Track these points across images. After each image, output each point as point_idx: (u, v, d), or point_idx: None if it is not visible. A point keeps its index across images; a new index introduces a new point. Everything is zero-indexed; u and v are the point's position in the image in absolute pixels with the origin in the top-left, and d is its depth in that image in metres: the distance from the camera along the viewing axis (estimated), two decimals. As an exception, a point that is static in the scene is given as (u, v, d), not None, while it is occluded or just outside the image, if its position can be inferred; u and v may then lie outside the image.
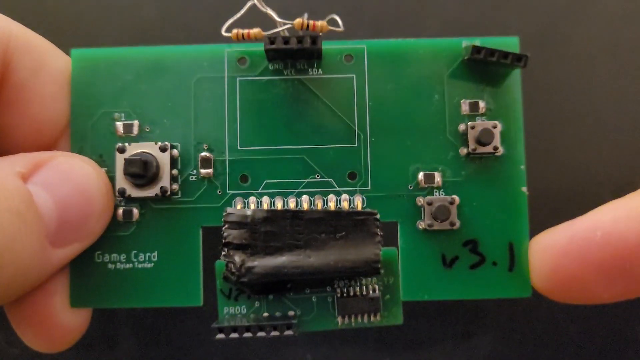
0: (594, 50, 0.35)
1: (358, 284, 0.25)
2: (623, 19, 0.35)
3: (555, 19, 0.35)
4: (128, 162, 0.23)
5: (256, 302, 0.25)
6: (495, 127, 0.24)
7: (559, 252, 0.22)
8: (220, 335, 0.24)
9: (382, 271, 0.24)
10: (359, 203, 0.25)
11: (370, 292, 0.25)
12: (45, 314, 0.24)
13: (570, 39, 0.35)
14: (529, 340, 0.33)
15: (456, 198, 0.25)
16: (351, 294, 0.25)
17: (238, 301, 0.25)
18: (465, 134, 0.25)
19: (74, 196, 0.23)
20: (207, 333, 0.33)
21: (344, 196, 0.25)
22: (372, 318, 0.26)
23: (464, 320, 0.33)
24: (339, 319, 0.25)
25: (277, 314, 0.25)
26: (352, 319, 0.25)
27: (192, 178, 0.25)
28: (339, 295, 0.25)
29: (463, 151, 0.25)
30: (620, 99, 0.34)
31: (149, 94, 0.25)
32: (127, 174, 0.23)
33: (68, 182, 0.23)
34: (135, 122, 0.25)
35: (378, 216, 0.24)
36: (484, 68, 0.25)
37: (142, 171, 0.23)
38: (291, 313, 0.25)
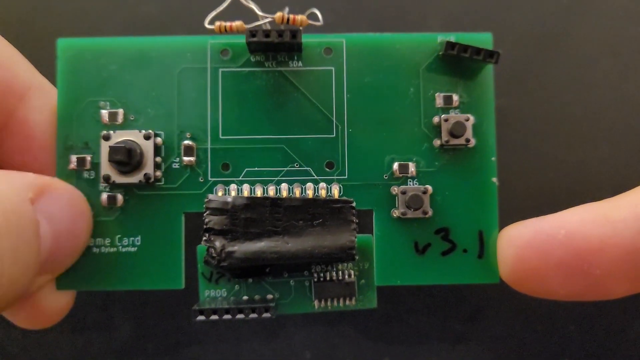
0: (592, 48, 0.35)
1: (334, 269, 0.26)
2: (624, 18, 0.36)
3: (557, 18, 0.35)
4: (113, 150, 0.24)
5: (236, 286, 0.26)
6: (467, 120, 0.25)
7: (523, 244, 0.23)
8: (201, 317, 0.25)
9: (357, 257, 0.25)
10: (336, 191, 0.26)
11: (346, 277, 0.26)
12: (32, 296, 0.25)
13: (570, 38, 0.35)
14: (528, 340, 0.34)
15: (429, 188, 0.26)
16: (327, 278, 0.26)
17: (219, 284, 0.26)
18: (439, 126, 0.26)
19: (68, 233, 0.23)
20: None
21: (322, 185, 0.26)
22: (347, 302, 0.27)
23: (463, 320, 0.34)
24: (316, 303, 0.26)
25: (257, 297, 0.26)
26: (329, 303, 0.27)
27: (175, 165, 0.26)
28: (315, 279, 0.26)
29: (437, 143, 0.26)
30: (618, 98, 0.35)
31: (134, 84, 0.26)
32: (112, 161, 0.24)
33: (67, 216, 0.23)
34: (120, 111, 0.26)
35: (354, 204, 0.25)
36: (459, 63, 0.26)
37: (126, 158, 0.24)
38: (270, 296, 0.26)
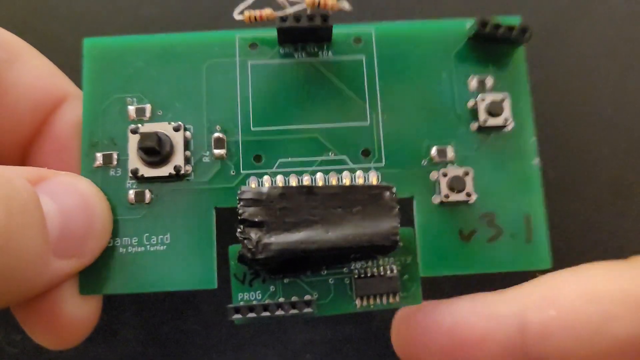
0: (599, 48, 0.36)
1: (375, 264, 0.25)
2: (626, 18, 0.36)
3: (559, 16, 0.36)
4: (144, 136, 0.23)
5: (271, 287, 0.25)
6: (504, 99, 0.25)
7: (411, 328, 0.25)
8: (237, 316, 0.23)
9: (400, 244, 0.24)
10: (374, 179, 0.25)
11: (388, 272, 0.25)
12: (54, 305, 0.23)
13: (576, 37, 0.36)
14: None
15: (470, 170, 0.25)
16: (369, 274, 0.25)
17: (252, 287, 0.25)
18: (474, 110, 0.25)
19: (78, 209, 0.22)
20: (204, 333, 0.32)
21: (359, 173, 0.25)
22: (390, 299, 0.25)
23: None
24: (357, 301, 0.25)
25: (294, 298, 0.24)
26: (371, 301, 0.25)
27: (205, 159, 0.25)
28: (356, 276, 0.25)
29: (474, 126, 0.25)
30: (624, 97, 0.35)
31: (161, 80, 0.25)
32: (142, 148, 0.23)
33: (72, 195, 0.22)
34: (148, 106, 0.25)
35: (394, 189, 0.24)
36: (489, 47, 0.26)
37: (157, 146, 0.23)
38: (308, 297, 0.24)
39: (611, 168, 0.34)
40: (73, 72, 0.26)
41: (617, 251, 0.33)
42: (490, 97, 0.25)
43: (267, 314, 0.23)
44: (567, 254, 0.33)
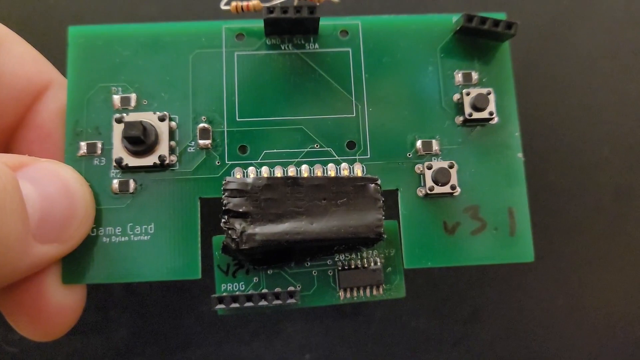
0: (599, 50, 0.36)
1: (359, 256, 0.25)
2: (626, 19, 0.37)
3: (559, 18, 0.36)
4: (128, 125, 0.23)
5: (254, 278, 0.25)
6: (489, 93, 0.25)
7: None
8: (220, 306, 0.23)
9: (385, 236, 0.24)
10: (359, 171, 0.25)
11: (372, 264, 0.25)
12: (37, 294, 0.23)
13: (576, 39, 0.36)
14: (527, 341, 0.33)
15: (455, 163, 0.25)
16: (352, 266, 0.25)
17: (236, 277, 0.25)
18: (460, 104, 0.25)
19: (59, 195, 0.22)
20: (203, 334, 0.32)
21: (344, 165, 0.25)
22: (374, 291, 0.25)
23: (461, 321, 0.33)
24: (341, 293, 0.25)
25: (277, 289, 0.24)
26: (354, 293, 0.25)
27: (190, 149, 0.25)
28: (340, 268, 0.25)
29: (459, 119, 0.25)
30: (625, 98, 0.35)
31: (147, 69, 0.25)
32: (127, 137, 0.23)
33: (54, 181, 0.22)
34: (133, 95, 0.25)
35: (379, 181, 0.24)
36: (475, 42, 0.26)
37: (142, 135, 0.23)
38: (291, 289, 0.24)
39: (611, 170, 0.34)
40: (58, 61, 0.26)
41: (617, 252, 0.34)
42: (475, 91, 0.25)
43: (250, 304, 0.23)
44: (567, 253, 0.34)
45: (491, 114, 0.25)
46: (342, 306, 0.33)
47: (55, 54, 0.26)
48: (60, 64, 0.26)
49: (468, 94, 0.25)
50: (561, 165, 0.34)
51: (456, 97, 0.25)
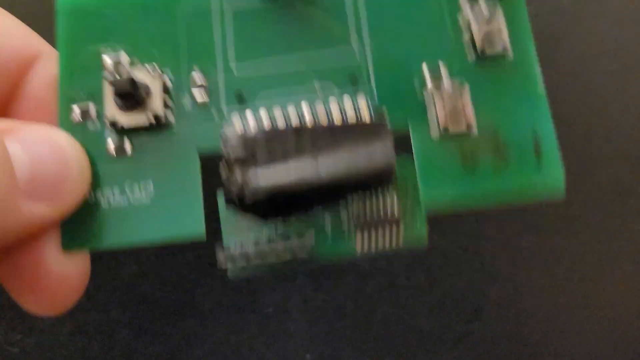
0: (600, 48, 0.35)
1: (375, 203, 0.23)
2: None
3: (560, 17, 0.35)
4: (117, 81, 0.22)
5: (263, 230, 0.23)
6: (499, 28, 0.23)
7: None
8: (228, 264, 0.22)
9: (397, 175, 0.22)
10: (363, 104, 0.23)
11: (389, 211, 0.23)
12: (37, 263, 0.22)
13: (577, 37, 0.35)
14: (529, 339, 0.33)
15: (467, 90, 0.23)
16: (367, 214, 0.23)
17: (243, 231, 0.23)
18: (472, 42, 0.23)
19: (50, 154, 0.21)
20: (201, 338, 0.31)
21: (346, 98, 0.23)
22: (393, 241, 0.23)
23: (463, 320, 0.33)
24: (358, 242, 0.23)
25: (288, 243, 0.23)
26: (372, 243, 0.23)
27: (185, 104, 0.23)
28: (355, 212, 0.23)
29: (471, 56, 0.23)
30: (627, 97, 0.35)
31: (137, 28, 0.24)
32: (116, 91, 0.22)
33: (44, 142, 0.21)
34: (123, 54, 0.24)
35: (387, 123, 0.22)
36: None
37: (131, 87, 0.22)
38: (302, 240, 0.23)
39: (613, 169, 0.34)
40: (46, 31, 0.26)
41: (617, 252, 0.33)
42: (485, 27, 0.23)
43: (258, 261, 0.22)
44: (569, 251, 0.33)
45: (504, 49, 0.23)
46: (343, 305, 0.33)
47: (44, 25, 0.26)
48: (48, 34, 0.25)
49: (479, 29, 0.23)
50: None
51: (467, 35, 0.23)
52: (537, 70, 0.23)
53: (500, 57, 0.23)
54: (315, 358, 0.32)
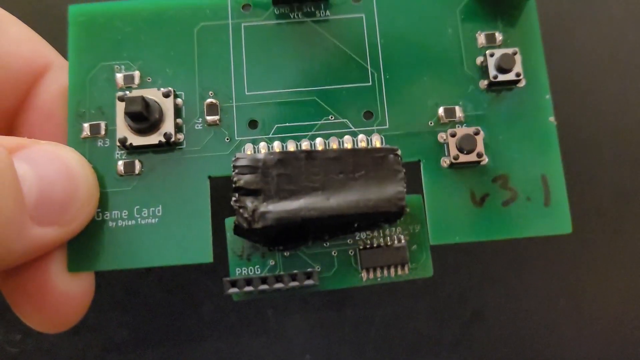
0: (601, 51, 0.35)
1: (381, 234, 0.23)
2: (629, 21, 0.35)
3: (561, 18, 0.35)
4: (129, 101, 0.22)
5: (271, 261, 0.23)
6: (515, 53, 0.23)
7: None
8: (233, 289, 0.22)
9: (407, 210, 0.22)
10: (377, 142, 0.23)
11: (396, 242, 0.23)
12: (42, 283, 0.22)
13: (578, 39, 0.35)
14: (528, 342, 0.32)
15: (480, 129, 0.23)
16: (375, 245, 0.23)
17: (250, 261, 0.23)
18: (484, 67, 0.23)
19: (58, 175, 0.21)
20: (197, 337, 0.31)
21: (361, 136, 0.23)
22: (399, 271, 0.23)
23: (462, 322, 0.32)
24: (363, 274, 0.23)
25: (294, 271, 0.23)
26: (378, 274, 0.23)
27: (197, 126, 0.23)
28: (361, 247, 0.23)
29: (483, 83, 0.23)
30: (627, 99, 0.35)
31: (150, 45, 0.24)
32: (128, 113, 0.22)
33: (53, 161, 0.21)
34: (136, 73, 0.24)
35: (399, 152, 0.22)
36: (497, 1, 0.24)
37: (144, 111, 0.22)
38: (309, 270, 0.23)
39: (613, 171, 0.33)
40: (58, 41, 0.25)
41: (617, 254, 0.33)
42: (499, 52, 0.23)
43: (265, 287, 0.22)
44: (568, 254, 0.33)
45: (518, 75, 0.23)
46: (342, 307, 0.32)
47: (56, 35, 0.25)
48: (60, 45, 0.25)
49: (492, 55, 0.23)
50: (566, 167, 0.33)
51: (479, 60, 0.24)
52: (550, 105, 0.23)
53: (513, 91, 0.24)
54: (315, 358, 0.32)
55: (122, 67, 0.24)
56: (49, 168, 0.21)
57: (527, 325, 0.32)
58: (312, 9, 0.24)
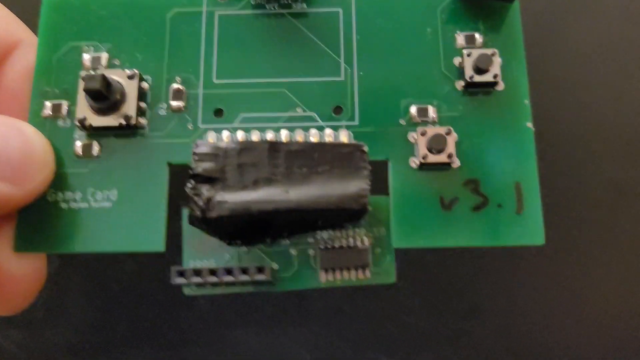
0: (596, 47, 0.35)
1: (344, 235, 0.22)
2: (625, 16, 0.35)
3: (556, 15, 0.35)
4: (88, 78, 0.21)
5: (226, 255, 0.22)
6: (493, 54, 0.22)
7: None
8: (180, 279, 0.21)
9: (370, 208, 0.21)
10: (344, 138, 0.22)
11: (359, 243, 0.22)
12: None
13: (573, 35, 0.35)
14: (526, 336, 0.32)
15: (452, 130, 0.22)
16: (336, 246, 0.22)
17: (206, 254, 0.22)
18: (461, 68, 0.23)
19: (15, 136, 0.21)
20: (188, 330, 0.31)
21: (328, 131, 0.22)
22: (360, 275, 0.22)
23: (460, 318, 0.32)
24: (322, 275, 0.22)
25: (246, 265, 0.22)
26: (337, 275, 0.22)
27: (161, 112, 0.23)
28: (322, 247, 0.22)
29: (459, 84, 0.23)
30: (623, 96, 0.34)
31: (122, 29, 0.24)
32: (86, 90, 0.21)
33: (10, 129, 0.21)
34: (104, 55, 0.23)
35: (366, 148, 0.21)
36: (479, 2, 0.23)
37: (103, 89, 0.21)
38: (261, 265, 0.22)
39: (609, 167, 0.33)
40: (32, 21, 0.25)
41: (614, 251, 0.33)
42: (478, 52, 0.22)
43: (214, 279, 0.21)
44: (566, 249, 0.32)
45: (495, 77, 0.22)
46: (341, 304, 0.31)
47: (29, 14, 0.25)
48: (33, 24, 0.25)
49: (469, 55, 0.22)
50: (559, 162, 0.33)
51: (457, 60, 0.23)
52: (528, 110, 0.22)
53: (490, 94, 0.23)
54: (315, 358, 0.31)
55: (92, 48, 0.23)
56: (4, 131, 0.20)
57: (524, 319, 0.32)
58: (289, 1, 0.24)
